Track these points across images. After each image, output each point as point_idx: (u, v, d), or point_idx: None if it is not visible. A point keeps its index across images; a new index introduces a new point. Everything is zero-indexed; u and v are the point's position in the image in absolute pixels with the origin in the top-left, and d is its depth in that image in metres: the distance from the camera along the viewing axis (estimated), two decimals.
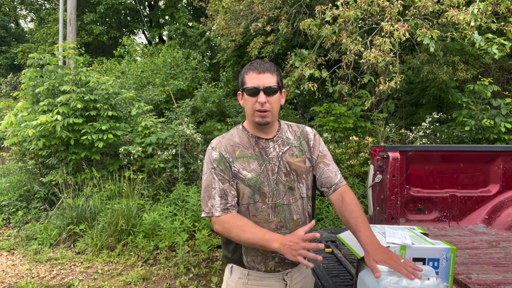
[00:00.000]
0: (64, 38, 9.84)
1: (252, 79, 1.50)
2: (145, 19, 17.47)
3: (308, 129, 1.71)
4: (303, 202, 1.59)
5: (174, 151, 5.78)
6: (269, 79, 1.50)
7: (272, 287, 1.58)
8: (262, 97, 1.49)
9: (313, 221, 1.42)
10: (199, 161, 5.89)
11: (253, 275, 1.57)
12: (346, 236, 1.69)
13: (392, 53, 5.02)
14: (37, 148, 5.67)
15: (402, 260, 1.31)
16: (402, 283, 1.27)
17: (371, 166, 2.72)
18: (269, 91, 1.49)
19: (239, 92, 1.59)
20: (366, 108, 6.03)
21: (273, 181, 1.54)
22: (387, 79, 5.20)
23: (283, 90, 1.61)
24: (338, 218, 4.61)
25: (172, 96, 8.66)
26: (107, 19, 16.90)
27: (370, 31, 5.78)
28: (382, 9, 5.08)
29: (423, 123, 5.95)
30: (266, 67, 1.51)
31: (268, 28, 6.79)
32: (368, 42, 5.31)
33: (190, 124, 6.35)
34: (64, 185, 5.44)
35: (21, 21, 24.36)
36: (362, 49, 5.11)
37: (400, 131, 6.27)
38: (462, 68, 6.35)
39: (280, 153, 1.58)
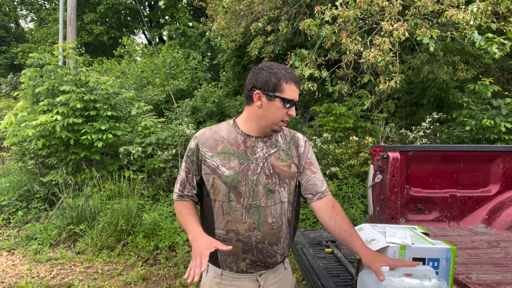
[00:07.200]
0: (64, 38, 9.84)
1: (293, 91, 1.50)
2: (145, 19, 17.46)
3: (300, 135, 1.70)
4: (282, 206, 1.56)
5: (174, 151, 5.77)
6: None
7: None
8: (293, 110, 1.54)
9: (230, 247, 1.36)
10: None
11: (226, 275, 1.57)
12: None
13: (392, 52, 5.02)
14: (37, 148, 5.67)
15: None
16: (403, 283, 1.27)
17: (371, 166, 2.72)
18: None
19: (262, 93, 1.50)
20: (366, 108, 6.02)
21: (252, 181, 1.52)
22: (387, 79, 5.20)
23: None
24: None
25: (172, 96, 8.67)
26: (107, 19, 16.90)
27: (370, 31, 5.77)
28: (381, 9, 5.07)
29: (423, 123, 5.93)
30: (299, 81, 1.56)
31: (268, 28, 6.78)
32: (368, 42, 5.30)
33: (190, 124, 6.35)
34: (64, 185, 5.44)
35: (21, 21, 24.36)
36: (362, 49, 5.10)
37: (400, 131, 6.25)
38: (462, 68, 6.34)
39: (266, 154, 1.56)
